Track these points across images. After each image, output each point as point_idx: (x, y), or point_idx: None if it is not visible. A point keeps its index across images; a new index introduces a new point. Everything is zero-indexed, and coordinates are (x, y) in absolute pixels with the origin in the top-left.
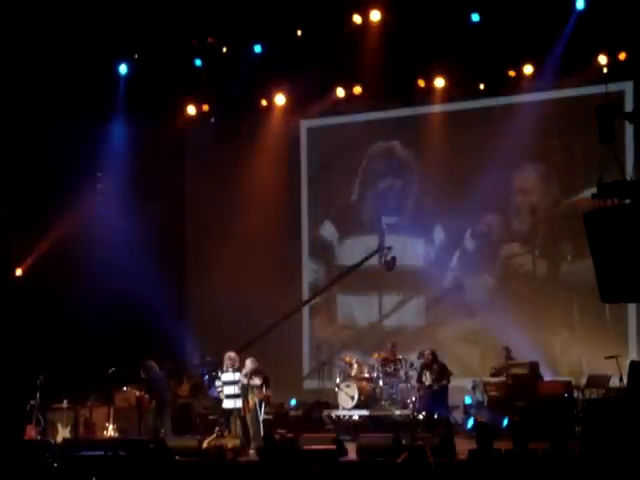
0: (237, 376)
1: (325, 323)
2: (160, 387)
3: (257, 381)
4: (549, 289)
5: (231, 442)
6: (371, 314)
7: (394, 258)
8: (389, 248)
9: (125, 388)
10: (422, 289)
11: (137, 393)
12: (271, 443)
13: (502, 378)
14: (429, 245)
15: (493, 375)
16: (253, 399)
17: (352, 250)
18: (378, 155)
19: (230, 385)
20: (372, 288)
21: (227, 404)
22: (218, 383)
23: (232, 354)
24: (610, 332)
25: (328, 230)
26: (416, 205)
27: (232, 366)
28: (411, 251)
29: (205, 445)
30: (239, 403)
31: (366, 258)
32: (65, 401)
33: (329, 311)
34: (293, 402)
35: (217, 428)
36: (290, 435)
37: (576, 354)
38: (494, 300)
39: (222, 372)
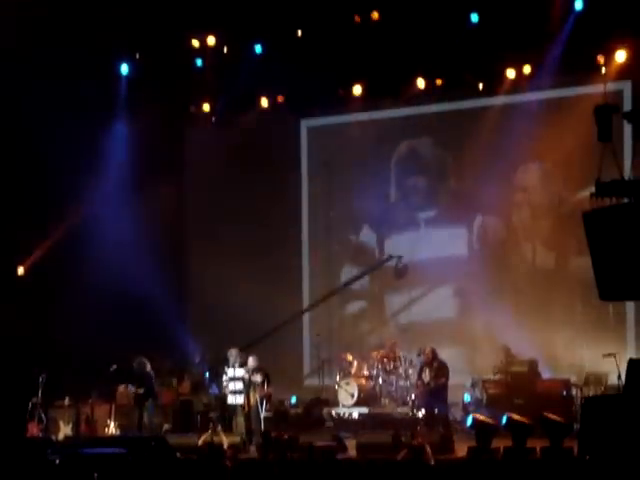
0: (241, 372)
1: (326, 321)
2: (149, 385)
3: (258, 378)
4: (550, 287)
5: (226, 439)
6: (376, 312)
7: (406, 266)
8: (400, 257)
9: (123, 387)
10: (424, 290)
11: (122, 389)
12: (269, 440)
13: (502, 376)
14: (436, 246)
15: (495, 374)
16: (254, 396)
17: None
18: (387, 155)
19: (235, 381)
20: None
21: (232, 400)
22: (225, 378)
23: (234, 350)
24: (608, 330)
25: (367, 234)
26: (422, 206)
27: (236, 362)
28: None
29: (200, 442)
30: (241, 399)
31: (374, 267)
32: (67, 398)
33: (330, 309)
34: (293, 400)
35: (211, 425)
36: (287, 436)
37: (575, 352)
38: (494, 297)
39: (228, 368)
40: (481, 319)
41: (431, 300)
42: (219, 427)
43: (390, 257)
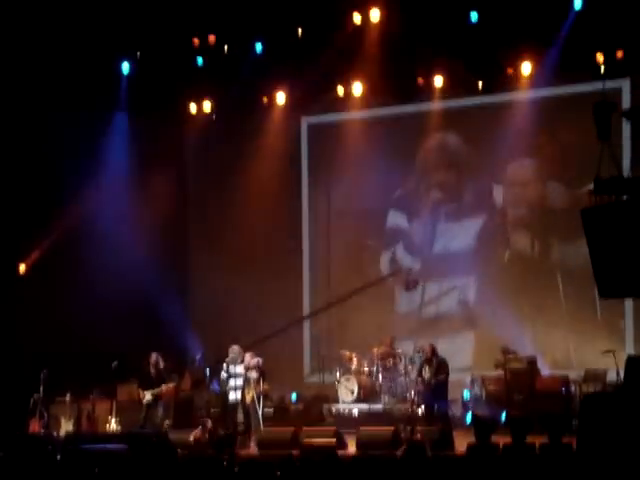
0: (240, 369)
1: (326, 317)
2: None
3: (253, 375)
4: (548, 284)
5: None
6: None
7: (416, 282)
8: (410, 270)
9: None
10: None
11: (143, 394)
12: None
13: (501, 372)
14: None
15: (495, 371)
16: (251, 393)
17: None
18: (380, 153)
19: (234, 378)
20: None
21: (232, 397)
22: (223, 374)
23: (236, 347)
24: (607, 327)
25: (397, 218)
26: (420, 204)
27: (237, 359)
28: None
29: (191, 439)
30: (240, 395)
31: (382, 279)
32: (68, 395)
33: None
34: (294, 396)
35: (201, 421)
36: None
37: (574, 349)
38: (493, 294)
39: (227, 365)
40: (481, 315)
41: (433, 296)
42: (209, 423)
43: (400, 269)
